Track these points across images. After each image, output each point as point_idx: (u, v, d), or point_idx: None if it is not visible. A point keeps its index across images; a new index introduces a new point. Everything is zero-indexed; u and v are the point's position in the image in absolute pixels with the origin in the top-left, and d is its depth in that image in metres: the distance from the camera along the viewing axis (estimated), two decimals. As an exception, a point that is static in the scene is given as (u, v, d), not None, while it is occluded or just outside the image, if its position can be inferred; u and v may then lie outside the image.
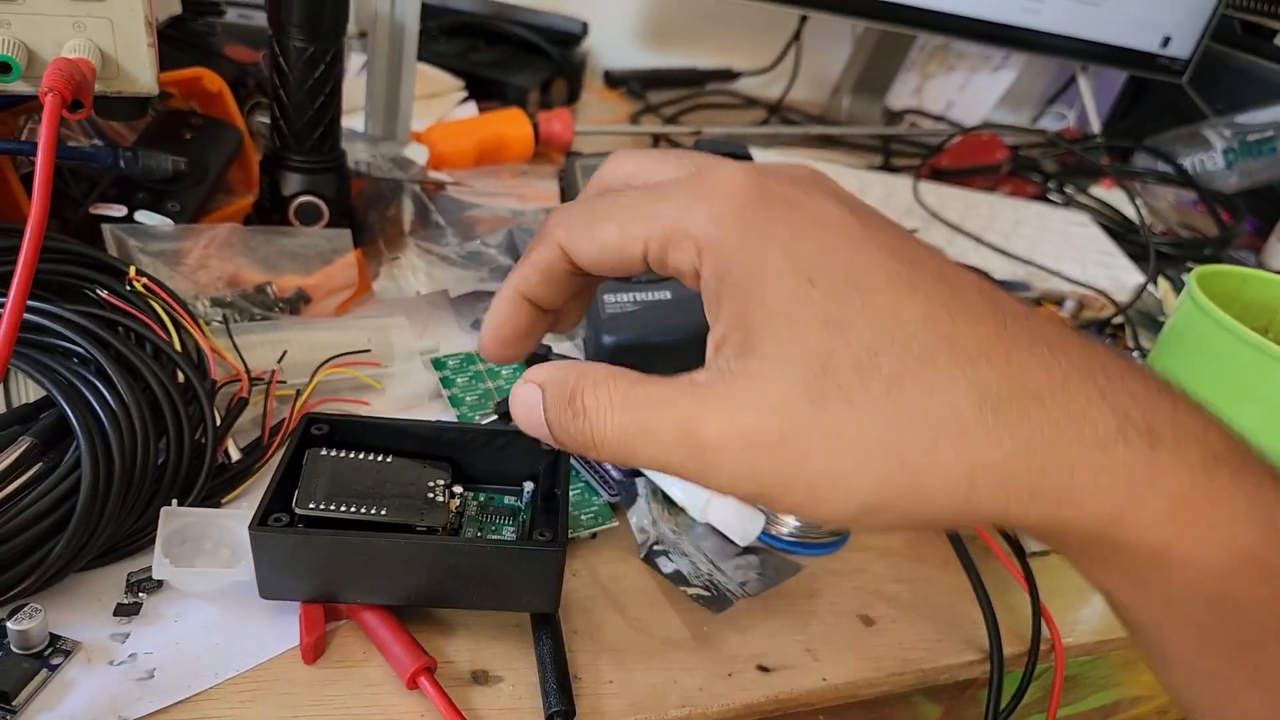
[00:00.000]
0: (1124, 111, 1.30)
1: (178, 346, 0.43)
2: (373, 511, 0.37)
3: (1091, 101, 1.22)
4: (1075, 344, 0.24)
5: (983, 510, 0.23)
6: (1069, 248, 0.91)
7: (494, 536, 0.40)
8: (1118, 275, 0.87)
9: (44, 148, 0.37)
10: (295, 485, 0.37)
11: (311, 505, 0.36)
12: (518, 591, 0.38)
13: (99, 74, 0.45)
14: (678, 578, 0.45)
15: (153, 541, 0.39)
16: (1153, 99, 1.26)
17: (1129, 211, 1.01)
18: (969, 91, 1.20)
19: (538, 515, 0.42)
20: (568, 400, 0.27)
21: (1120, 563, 0.23)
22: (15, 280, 0.34)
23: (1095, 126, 1.23)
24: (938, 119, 1.21)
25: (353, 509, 0.36)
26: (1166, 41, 1.11)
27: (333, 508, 0.36)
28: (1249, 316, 0.51)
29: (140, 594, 0.37)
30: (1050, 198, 1.04)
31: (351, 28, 0.58)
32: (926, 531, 0.25)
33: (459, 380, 0.53)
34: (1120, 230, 0.98)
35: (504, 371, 0.54)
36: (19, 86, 0.44)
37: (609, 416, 0.26)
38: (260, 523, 0.35)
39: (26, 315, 0.40)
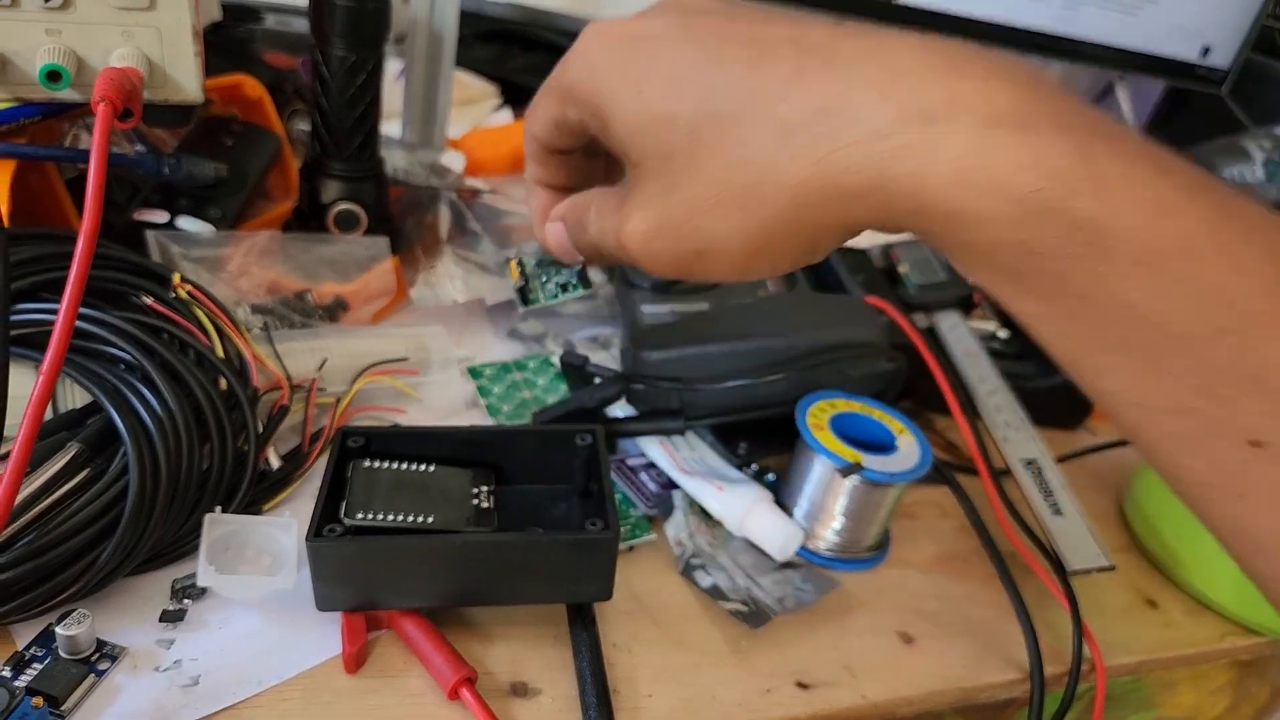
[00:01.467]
0: (1161, 122, 1.29)
1: (220, 353, 0.43)
2: (419, 519, 0.37)
3: (1129, 111, 1.21)
4: (870, 54, 0.26)
5: (820, 221, 0.27)
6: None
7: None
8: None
9: (96, 157, 0.37)
10: (340, 497, 0.37)
11: (360, 515, 0.36)
12: (572, 582, 0.38)
13: (146, 82, 0.45)
14: (715, 592, 0.44)
15: (196, 548, 0.39)
16: (1191, 109, 1.25)
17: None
18: (1003, 100, 1.19)
19: (580, 509, 0.42)
20: (579, 224, 0.34)
21: (942, 233, 0.26)
22: (68, 290, 0.34)
23: (1131, 136, 1.21)
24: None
25: (400, 517, 0.37)
26: (1206, 51, 1.09)
27: (381, 517, 0.36)
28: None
29: (185, 600, 0.37)
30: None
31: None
32: (812, 259, 0.30)
33: (495, 389, 0.53)
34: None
35: (540, 381, 0.54)
36: (68, 94, 0.45)
37: (592, 228, 0.33)
38: (316, 534, 0.35)
39: (75, 322, 0.40)
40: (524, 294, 0.42)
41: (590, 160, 0.37)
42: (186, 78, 0.47)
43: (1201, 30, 1.07)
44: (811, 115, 0.26)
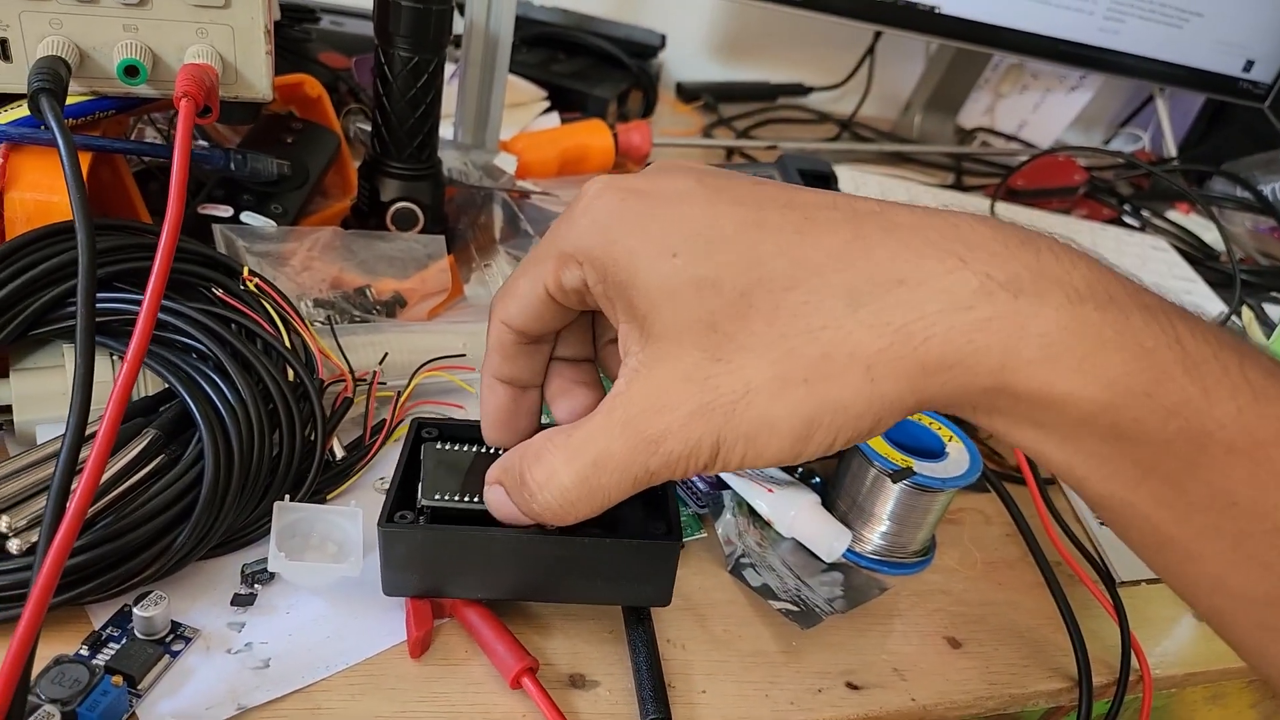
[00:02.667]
0: (1200, 135, 1.28)
1: (288, 345, 0.44)
2: None
3: (1168, 124, 1.20)
4: (932, 224, 0.25)
5: (891, 397, 0.24)
6: (1148, 272, 0.89)
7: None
8: (1198, 303, 0.86)
9: (180, 151, 0.38)
10: (412, 486, 0.38)
11: (438, 497, 0.36)
12: (634, 585, 0.39)
13: (220, 79, 0.46)
14: (766, 591, 0.45)
15: (264, 534, 0.40)
16: (1231, 123, 1.24)
17: (1207, 237, 1.00)
18: (1042, 112, 1.19)
19: (640, 510, 0.43)
20: (521, 487, 0.30)
21: (1018, 412, 0.24)
22: (152, 279, 0.35)
23: (1171, 150, 1.21)
24: (1009, 138, 1.20)
25: (476, 500, 0.37)
26: (1249, 66, 1.09)
27: (458, 498, 0.37)
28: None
29: (255, 585, 0.38)
30: (1126, 221, 1.03)
31: (449, 38, 0.59)
32: (867, 439, 0.27)
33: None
34: (1198, 256, 0.97)
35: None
36: (144, 90, 0.46)
37: (559, 479, 0.28)
38: (388, 519, 0.36)
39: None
40: None
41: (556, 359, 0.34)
42: (257, 75, 0.48)
43: (1245, 44, 1.07)
44: (883, 284, 0.24)
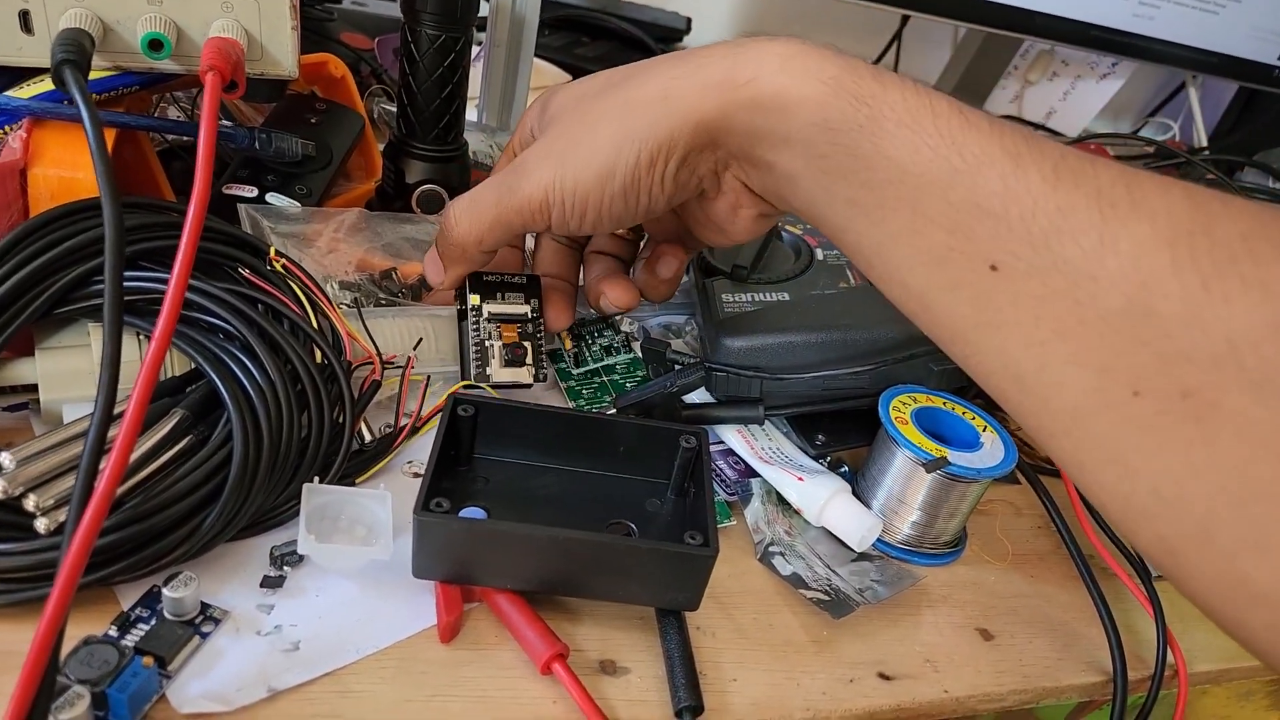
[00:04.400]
0: (1232, 125, 1.26)
1: (315, 326, 0.44)
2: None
3: (1199, 113, 1.18)
4: (735, 45, 0.37)
5: (679, 117, 0.37)
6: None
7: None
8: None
9: (206, 126, 0.38)
10: (445, 472, 0.38)
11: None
12: (665, 589, 0.38)
13: (245, 55, 0.46)
14: (796, 580, 0.44)
15: (292, 515, 0.40)
16: (1264, 112, 1.22)
17: (1238, 228, 0.98)
18: (1072, 100, 1.17)
19: (673, 510, 0.43)
20: (445, 229, 0.45)
21: (770, 128, 0.35)
22: (179, 258, 0.35)
23: (1202, 139, 1.19)
24: (1038, 127, 1.18)
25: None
26: (1284, 53, 1.06)
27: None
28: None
29: (284, 567, 0.38)
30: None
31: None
32: (667, 153, 0.38)
33: (575, 373, 0.53)
34: (1229, 247, 0.95)
35: (618, 365, 0.54)
36: (167, 65, 0.46)
37: (453, 210, 0.44)
38: (424, 508, 0.35)
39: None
40: (577, 359, 0.53)
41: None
42: (283, 52, 0.47)
43: (1281, 32, 1.04)
44: (691, 65, 0.37)
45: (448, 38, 0.53)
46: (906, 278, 0.34)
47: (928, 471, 0.45)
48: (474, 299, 0.49)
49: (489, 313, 0.49)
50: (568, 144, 0.40)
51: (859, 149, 0.33)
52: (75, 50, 0.39)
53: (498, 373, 0.47)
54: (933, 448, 0.45)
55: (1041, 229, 0.29)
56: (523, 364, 0.48)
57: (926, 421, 0.48)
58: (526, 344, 0.49)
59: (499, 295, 0.49)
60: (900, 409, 0.48)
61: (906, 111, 0.32)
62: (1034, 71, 1.16)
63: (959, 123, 0.32)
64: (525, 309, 0.50)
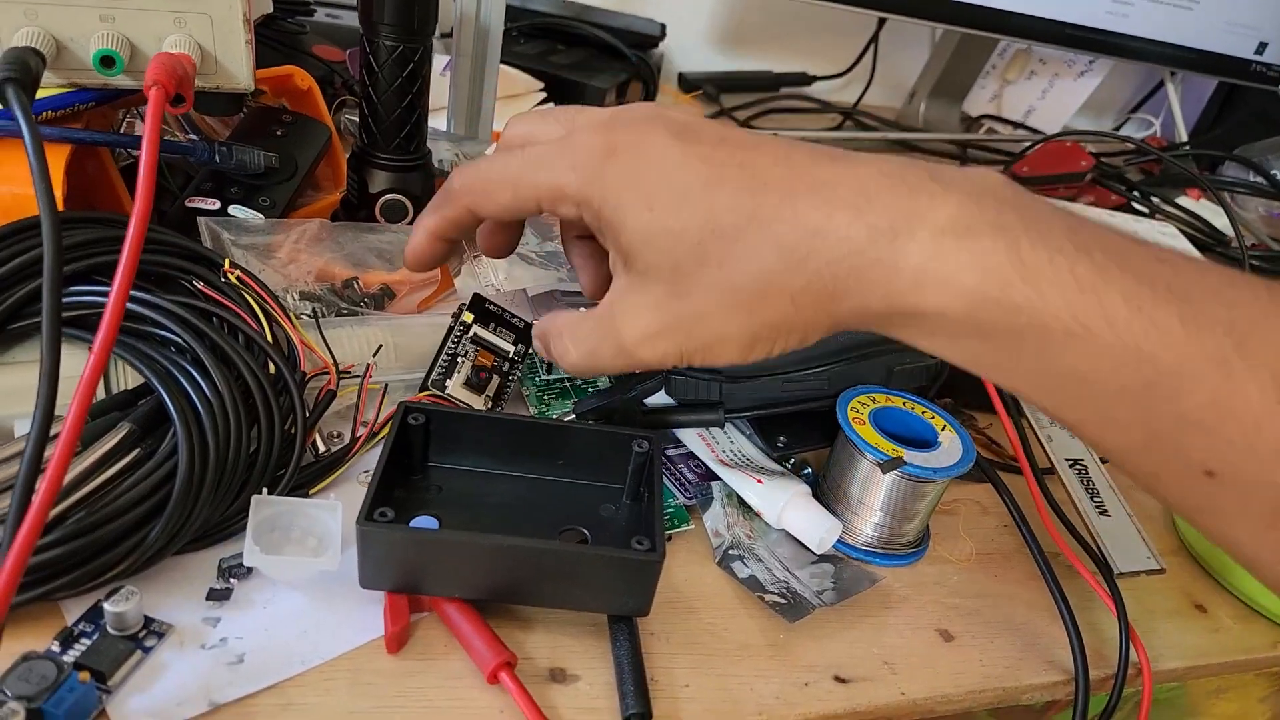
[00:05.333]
0: (1213, 120, 1.26)
1: (269, 338, 0.44)
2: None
3: (1179, 109, 1.18)
4: (843, 180, 0.31)
5: (809, 318, 0.32)
6: (1155, 259, 0.88)
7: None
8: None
9: (148, 141, 0.38)
10: (397, 481, 0.38)
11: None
12: (613, 595, 0.38)
13: (198, 69, 0.46)
14: (753, 583, 0.44)
15: (243, 528, 0.39)
16: (1243, 107, 1.22)
17: (1217, 223, 0.98)
18: (1050, 98, 1.17)
19: (626, 514, 0.43)
20: (548, 350, 0.38)
21: (910, 325, 0.31)
22: (120, 270, 0.35)
23: (1182, 135, 1.19)
24: (1016, 125, 1.18)
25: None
26: (1262, 47, 1.07)
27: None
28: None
29: (231, 580, 0.38)
30: (1135, 207, 1.01)
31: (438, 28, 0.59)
32: (799, 347, 0.34)
33: (535, 378, 0.53)
34: (1209, 243, 0.95)
35: (581, 371, 0.54)
36: (122, 80, 0.46)
37: (570, 357, 0.37)
38: (367, 518, 0.35)
39: (127, 304, 0.41)
40: (550, 365, 0.52)
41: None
42: (238, 66, 0.47)
43: (1258, 26, 1.05)
44: (804, 236, 0.30)
45: (406, 48, 0.53)
46: (1096, 444, 0.31)
47: (884, 472, 0.45)
48: (468, 317, 0.49)
49: (475, 334, 0.49)
50: (689, 316, 0.33)
51: (1022, 356, 0.30)
52: (19, 69, 0.39)
53: (455, 389, 0.47)
54: (889, 448, 0.45)
55: (1270, 446, 0.26)
56: (481, 392, 0.48)
57: (885, 422, 0.48)
58: (495, 377, 0.49)
59: (492, 326, 0.50)
60: (859, 410, 0.48)
61: (1073, 318, 0.28)
62: (1012, 70, 1.17)
63: (1142, 326, 0.27)
64: (510, 348, 0.50)
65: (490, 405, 0.48)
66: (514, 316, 0.51)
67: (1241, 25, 1.04)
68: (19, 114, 0.36)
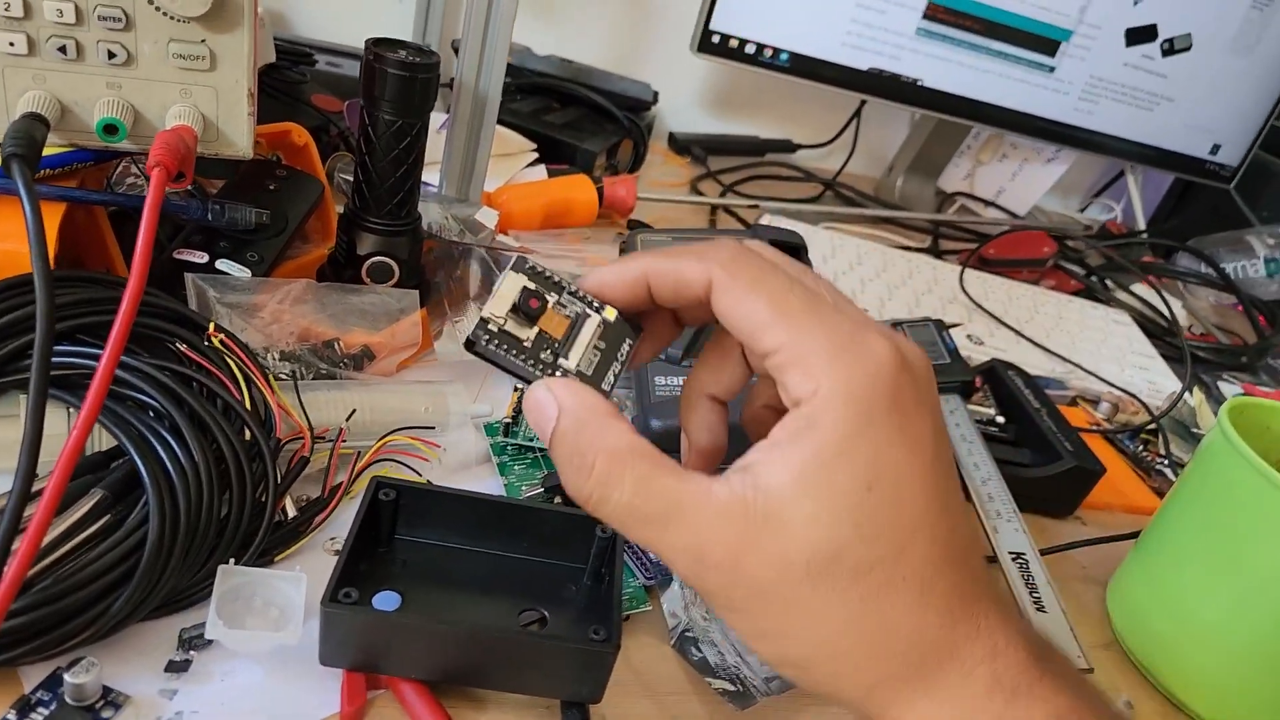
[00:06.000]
0: (1170, 210, 1.31)
1: (248, 404, 0.45)
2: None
3: (1138, 198, 1.23)
4: (987, 633, 0.29)
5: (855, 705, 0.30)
6: (1108, 347, 0.91)
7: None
8: (1155, 379, 0.87)
9: (147, 220, 0.38)
10: (363, 554, 0.38)
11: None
12: (567, 682, 0.39)
13: (199, 139, 0.47)
14: (704, 667, 0.45)
15: (206, 595, 0.40)
16: (1199, 200, 1.27)
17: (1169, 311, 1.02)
18: (1020, 180, 1.22)
19: (587, 596, 0.44)
20: (579, 450, 0.29)
21: None
22: (110, 343, 0.35)
23: (1141, 223, 1.23)
24: (988, 204, 1.22)
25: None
26: (1216, 149, 1.12)
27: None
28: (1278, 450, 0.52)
29: (191, 651, 0.39)
30: (1094, 292, 1.05)
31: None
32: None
33: (508, 448, 0.54)
34: (1159, 331, 0.99)
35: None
36: (123, 145, 0.47)
37: (618, 492, 0.28)
38: (331, 599, 0.36)
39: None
40: (507, 429, 0.53)
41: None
42: (238, 134, 0.49)
43: (1213, 128, 1.10)
44: (934, 652, 0.29)
45: (404, 123, 0.55)
46: None
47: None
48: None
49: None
50: (787, 640, 0.29)
51: None
52: (25, 144, 0.40)
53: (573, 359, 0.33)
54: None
55: None
56: (534, 323, 0.33)
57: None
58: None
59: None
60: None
61: None
62: (985, 152, 1.21)
63: None
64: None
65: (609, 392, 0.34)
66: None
67: (1198, 127, 1.09)
68: (23, 191, 0.37)
